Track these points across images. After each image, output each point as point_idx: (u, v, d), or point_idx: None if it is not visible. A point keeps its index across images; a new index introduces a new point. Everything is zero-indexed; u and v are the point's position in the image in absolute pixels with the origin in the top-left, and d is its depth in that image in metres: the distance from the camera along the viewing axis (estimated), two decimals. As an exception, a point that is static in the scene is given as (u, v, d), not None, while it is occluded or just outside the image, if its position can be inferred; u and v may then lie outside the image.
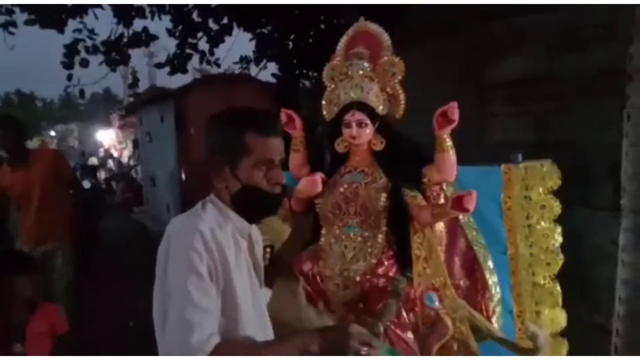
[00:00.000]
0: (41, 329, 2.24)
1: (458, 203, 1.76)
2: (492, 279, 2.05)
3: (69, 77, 6.40)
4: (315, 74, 6.56)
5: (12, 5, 5.82)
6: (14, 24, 6.02)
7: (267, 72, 7.54)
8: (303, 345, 1.18)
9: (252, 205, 1.29)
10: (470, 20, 3.10)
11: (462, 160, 1.96)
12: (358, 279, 1.93)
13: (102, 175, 13.70)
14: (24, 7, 5.77)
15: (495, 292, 2.05)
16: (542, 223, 2.07)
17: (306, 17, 6.04)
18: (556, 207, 2.05)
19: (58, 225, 3.49)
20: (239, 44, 7.33)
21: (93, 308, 4.21)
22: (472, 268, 2.07)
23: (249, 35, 6.90)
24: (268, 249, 2.20)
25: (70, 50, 6.39)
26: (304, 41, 6.82)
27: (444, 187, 2.06)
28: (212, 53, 6.95)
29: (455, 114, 1.81)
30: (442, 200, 2.04)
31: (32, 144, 11.62)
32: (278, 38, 6.90)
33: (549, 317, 2.10)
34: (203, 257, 1.16)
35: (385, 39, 2.08)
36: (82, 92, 6.76)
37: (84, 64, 6.45)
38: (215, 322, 1.16)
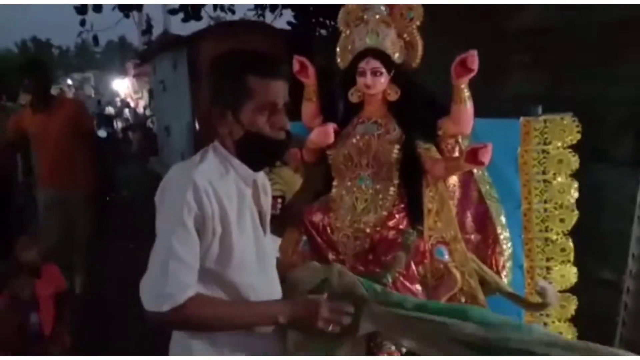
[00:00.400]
0: (48, 291, 2.26)
1: (473, 156, 1.71)
2: (503, 234, 2.03)
3: (82, 23, 6.30)
4: (332, 22, 6.36)
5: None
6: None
7: (283, 19, 7.35)
8: (273, 314, 1.24)
9: (256, 151, 1.25)
10: None
11: (479, 112, 1.89)
12: (368, 230, 1.93)
13: (118, 124, 13.77)
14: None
15: (507, 247, 2.03)
16: (559, 178, 2.02)
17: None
18: (574, 161, 2.00)
19: (75, 172, 3.52)
20: (255, -10, 7.12)
21: (107, 262, 4.28)
22: (484, 222, 2.05)
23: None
24: (280, 199, 2.21)
25: (84, -6, 6.27)
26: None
27: (460, 139, 2.01)
28: (226, -1, 6.77)
29: (474, 63, 1.73)
30: (457, 154, 1.99)
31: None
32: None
33: (559, 273, 2.09)
34: (192, 209, 1.14)
35: (404, -18, 1.98)
36: (95, 38, 6.69)
37: (97, 9, 6.33)
38: (193, 275, 1.17)
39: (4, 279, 2.22)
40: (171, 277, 1.12)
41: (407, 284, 1.92)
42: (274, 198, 2.21)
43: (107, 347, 2.73)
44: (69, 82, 24.57)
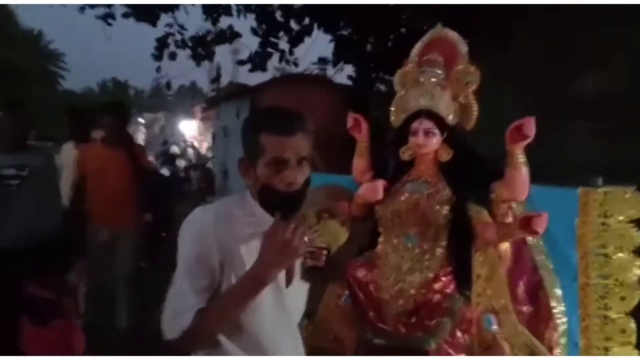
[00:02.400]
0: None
1: (526, 224, 1.66)
2: (558, 308, 1.92)
3: (158, 69, 6.79)
4: (392, 78, 6.48)
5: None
6: (112, 16, 6.49)
7: (344, 74, 7.58)
8: (256, 276, 1.22)
9: (271, 203, 1.29)
10: (553, 30, 2.91)
11: (535, 179, 1.85)
12: (413, 291, 1.88)
13: (181, 163, 14.39)
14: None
15: (561, 321, 1.92)
16: (620, 253, 1.90)
17: (387, 20, 5.98)
18: (637, 237, 1.88)
19: (125, 210, 3.64)
20: (318, 45, 7.42)
21: (156, 296, 4.32)
22: (537, 294, 1.95)
23: (328, 37, 6.96)
24: (324, 251, 2.20)
25: (161, 43, 6.79)
26: (382, 44, 6.78)
27: (513, 205, 1.95)
28: (291, 53, 7.09)
29: (531, 129, 1.71)
30: (509, 219, 1.93)
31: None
32: (357, 40, 6.90)
33: (619, 355, 1.92)
34: (199, 252, 1.23)
35: (462, 46, 2.02)
36: (168, 84, 7.16)
37: (173, 57, 6.83)
38: (199, 304, 1.24)
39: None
40: (181, 311, 1.22)
41: (452, 352, 1.84)
42: (319, 249, 2.21)
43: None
44: (141, 120, 26.14)
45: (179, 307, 1.24)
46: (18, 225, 2.67)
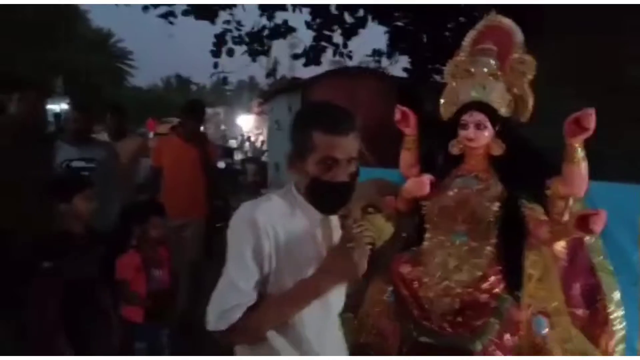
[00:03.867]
0: (169, 259, 2.78)
1: (583, 223, 1.57)
2: (616, 313, 1.81)
3: (215, 65, 6.96)
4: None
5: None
6: (173, 14, 6.71)
7: (398, 66, 7.46)
8: (316, 286, 1.28)
9: (321, 197, 1.32)
10: (612, 17, 2.70)
11: (594, 175, 1.74)
12: (459, 290, 1.82)
13: (238, 156, 14.76)
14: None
15: (619, 327, 1.80)
16: (689, 255, 1.76)
17: (443, 8, 5.82)
18: None
19: (194, 201, 3.81)
20: (372, 37, 7.34)
21: (210, 286, 4.48)
22: (594, 297, 1.85)
23: (382, 29, 6.87)
24: (369, 246, 2.18)
25: (219, 39, 6.96)
26: (439, 35, 6.61)
27: (570, 202, 1.84)
28: (345, 46, 7.06)
29: (590, 122, 1.61)
30: (566, 217, 1.83)
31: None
32: (412, 31, 6.76)
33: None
34: (250, 244, 1.26)
35: (518, 34, 1.93)
36: (225, 80, 7.33)
37: (230, 53, 6.98)
38: (249, 299, 1.27)
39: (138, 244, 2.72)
40: (228, 303, 1.26)
41: (499, 354, 1.77)
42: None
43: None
44: (203, 115, 27.07)
45: (228, 300, 1.27)
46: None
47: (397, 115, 2.07)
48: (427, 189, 1.94)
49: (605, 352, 1.78)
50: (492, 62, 1.92)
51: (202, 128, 4.34)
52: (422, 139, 2.12)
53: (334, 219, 1.41)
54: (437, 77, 7.02)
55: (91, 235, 2.36)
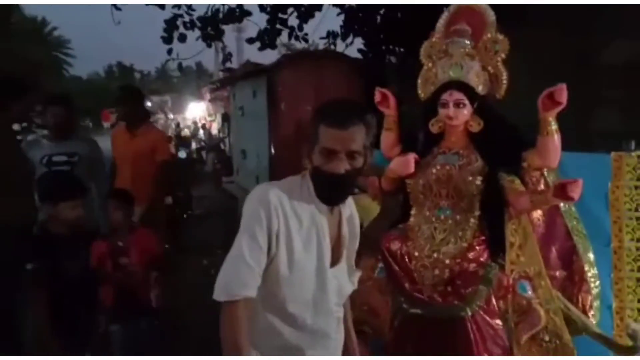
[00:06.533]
0: (141, 246, 2.67)
1: (562, 191, 1.68)
2: (591, 272, 1.95)
3: (169, 52, 6.73)
4: (402, 49, 6.40)
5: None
6: (118, -1, 6.40)
7: (353, 48, 7.48)
8: None
9: (319, 186, 1.40)
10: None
11: (566, 146, 1.86)
12: (447, 261, 1.91)
13: (193, 145, 14.44)
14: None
15: (594, 285, 1.95)
16: (654, 216, 1.92)
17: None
18: (671, 199, 1.90)
19: (146, 194, 3.64)
20: (327, 19, 7.32)
21: (180, 276, 4.50)
22: (570, 259, 1.98)
23: (336, 11, 6.85)
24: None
25: (170, 25, 6.72)
26: (392, 16, 6.67)
27: (545, 173, 1.97)
28: (300, 29, 6.99)
29: (563, 97, 1.71)
30: (541, 187, 1.95)
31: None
32: (366, 12, 6.78)
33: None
34: (262, 222, 1.32)
35: (490, 15, 2.00)
36: (180, 66, 7.12)
37: (182, 38, 6.74)
38: (254, 278, 1.32)
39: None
40: (235, 273, 1.31)
41: (487, 318, 1.89)
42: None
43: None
44: (148, 104, 26.22)
45: (234, 272, 1.31)
46: None
47: (377, 97, 2.11)
48: (412, 168, 2.01)
49: (584, 309, 1.92)
50: (467, 42, 1.99)
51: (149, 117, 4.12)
52: (401, 119, 2.18)
53: (347, 211, 1.50)
54: (392, 59, 7.12)
55: (75, 237, 2.30)
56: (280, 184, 1.42)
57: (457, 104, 1.93)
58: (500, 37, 1.96)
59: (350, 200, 1.56)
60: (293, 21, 6.88)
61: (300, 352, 1.44)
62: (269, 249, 1.34)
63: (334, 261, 1.48)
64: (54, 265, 2.10)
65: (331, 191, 1.40)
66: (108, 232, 2.70)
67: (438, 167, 2.00)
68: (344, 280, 1.54)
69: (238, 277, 1.30)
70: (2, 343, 2.25)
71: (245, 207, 1.36)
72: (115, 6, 6.43)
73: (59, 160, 3.04)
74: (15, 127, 3.19)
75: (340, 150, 1.32)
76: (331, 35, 7.56)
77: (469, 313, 1.87)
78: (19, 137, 3.14)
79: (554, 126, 1.79)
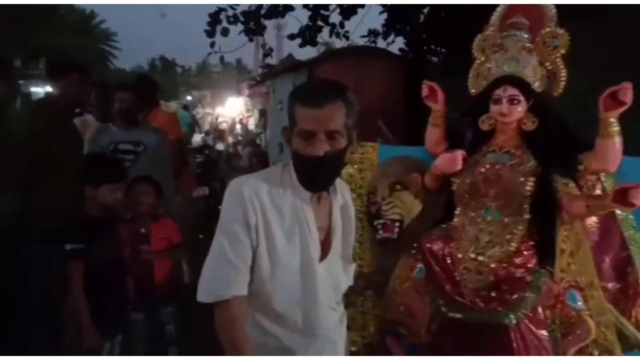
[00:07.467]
0: (161, 235, 2.66)
1: (622, 196, 1.57)
2: (648, 286, 1.82)
3: (212, 44, 6.81)
4: (443, 49, 6.26)
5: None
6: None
7: (394, 46, 7.38)
8: None
9: (301, 172, 1.31)
10: None
11: (628, 150, 1.74)
12: (493, 265, 1.82)
13: (230, 139, 14.61)
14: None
15: (651, 300, 1.82)
16: None
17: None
18: None
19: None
20: (369, 17, 7.24)
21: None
22: (625, 270, 1.87)
23: (378, 9, 6.77)
24: (397, 223, 2.18)
25: (214, 19, 6.80)
26: (436, 15, 6.54)
27: (602, 177, 1.85)
28: (342, 26, 6.96)
29: (627, 96, 1.61)
30: (597, 192, 1.84)
31: (171, 106, 12.68)
32: (410, 11, 6.68)
33: None
34: (239, 218, 1.26)
35: (550, 8, 1.90)
36: (222, 59, 7.20)
37: (225, 32, 6.82)
38: (240, 276, 1.26)
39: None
40: (218, 275, 1.26)
41: (533, 328, 1.79)
42: (392, 221, 2.18)
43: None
44: (189, 98, 26.72)
45: (218, 271, 1.26)
46: None
47: (425, 91, 2.04)
48: (459, 165, 1.93)
49: (638, 325, 1.80)
50: (525, 35, 1.90)
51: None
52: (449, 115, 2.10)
53: (338, 198, 1.41)
54: (433, 58, 6.99)
55: (111, 222, 2.31)
56: (258, 174, 1.35)
57: (511, 101, 1.83)
58: (560, 31, 1.86)
59: (345, 190, 1.48)
60: (335, 18, 6.86)
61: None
62: (252, 242, 1.27)
63: (323, 254, 1.36)
64: (89, 247, 2.11)
65: (312, 176, 1.29)
66: (131, 218, 2.66)
67: (487, 166, 1.91)
68: (339, 276, 1.44)
69: (221, 277, 1.25)
70: (3, 343, 2.28)
71: (223, 203, 1.30)
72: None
73: (125, 148, 3.04)
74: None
75: (318, 131, 1.22)
76: (372, 33, 7.51)
77: (514, 321, 1.78)
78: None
79: (615, 127, 1.69)
